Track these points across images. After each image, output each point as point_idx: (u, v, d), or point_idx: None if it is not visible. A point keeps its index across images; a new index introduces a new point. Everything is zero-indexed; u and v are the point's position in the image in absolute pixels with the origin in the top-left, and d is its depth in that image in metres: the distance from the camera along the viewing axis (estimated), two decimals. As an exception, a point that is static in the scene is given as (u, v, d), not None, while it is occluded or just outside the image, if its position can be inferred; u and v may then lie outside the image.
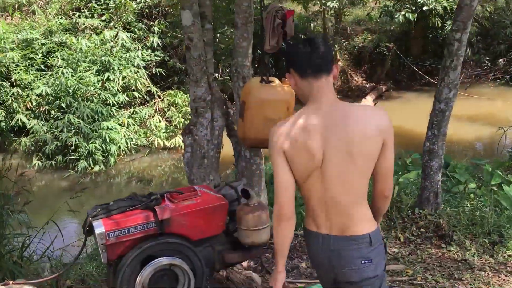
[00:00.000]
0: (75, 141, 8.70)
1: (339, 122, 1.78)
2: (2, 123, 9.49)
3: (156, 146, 9.54)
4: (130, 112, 9.97)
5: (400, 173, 5.30)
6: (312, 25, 13.77)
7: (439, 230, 3.73)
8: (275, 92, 3.28)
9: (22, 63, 9.95)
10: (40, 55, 10.20)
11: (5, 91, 9.58)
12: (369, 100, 11.82)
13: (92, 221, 2.30)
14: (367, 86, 13.16)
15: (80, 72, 9.77)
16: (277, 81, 3.35)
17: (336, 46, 12.83)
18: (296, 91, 1.97)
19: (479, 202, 4.08)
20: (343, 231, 1.83)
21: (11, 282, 2.31)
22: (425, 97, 12.71)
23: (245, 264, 3.47)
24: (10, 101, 9.50)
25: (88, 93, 9.50)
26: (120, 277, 2.25)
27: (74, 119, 8.90)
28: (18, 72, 9.73)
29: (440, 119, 3.77)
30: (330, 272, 1.88)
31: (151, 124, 9.83)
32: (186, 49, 3.36)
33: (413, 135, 7.40)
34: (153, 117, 10.06)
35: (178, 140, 9.55)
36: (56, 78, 9.51)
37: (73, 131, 8.83)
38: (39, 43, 10.40)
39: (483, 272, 3.26)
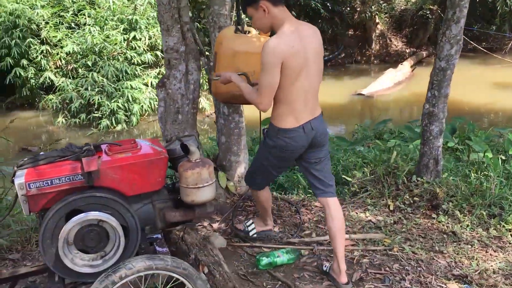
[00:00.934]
0: (99, 99, 8.75)
1: (308, 35, 2.52)
2: (32, 80, 9.69)
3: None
4: (156, 73, 9.89)
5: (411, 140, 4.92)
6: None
7: (434, 200, 3.40)
8: (250, 43, 3.02)
9: (52, 21, 10.02)
10: (71, 12, 10.24)
11: (35, 48, 9.71)
12: (405, 65, 11.17)
13: (17, 170, 2.18)
14: (407, 51, 12.44)
15: (107, 30, 9.75)
16: (254, 32, 3.08)
17: (373, 8, 12.12)
18: (266, 21, 2.53)
19: (486, 172, 3.69)
20: (314, 114, 2.61)
21: None
22: (470, 64, 11.92)
23: (215, 225, 3.30)
24: (39, 59, 9.64)
25: (114, 51, 9.47)
26: (43, 230, 2.12)
27: (98, 78, 8.94)
28: (48, 30, 9.83)
29: (441, 78, 3.37)
30: (303, 148, 2.63)
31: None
32: (156, -5, 3.13)
33: (454, 103, 6.91)
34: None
35: (203, 101, 9.43)
36: (84, 36, 9.53)
37: (96, 89, 8.88)
38: (70, 1, 10.42)
39: (470, 246, 2.94)
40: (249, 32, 3.07)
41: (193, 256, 2.74)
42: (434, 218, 3.29)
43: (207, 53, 3.42)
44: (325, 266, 2.74)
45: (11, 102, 10.34)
